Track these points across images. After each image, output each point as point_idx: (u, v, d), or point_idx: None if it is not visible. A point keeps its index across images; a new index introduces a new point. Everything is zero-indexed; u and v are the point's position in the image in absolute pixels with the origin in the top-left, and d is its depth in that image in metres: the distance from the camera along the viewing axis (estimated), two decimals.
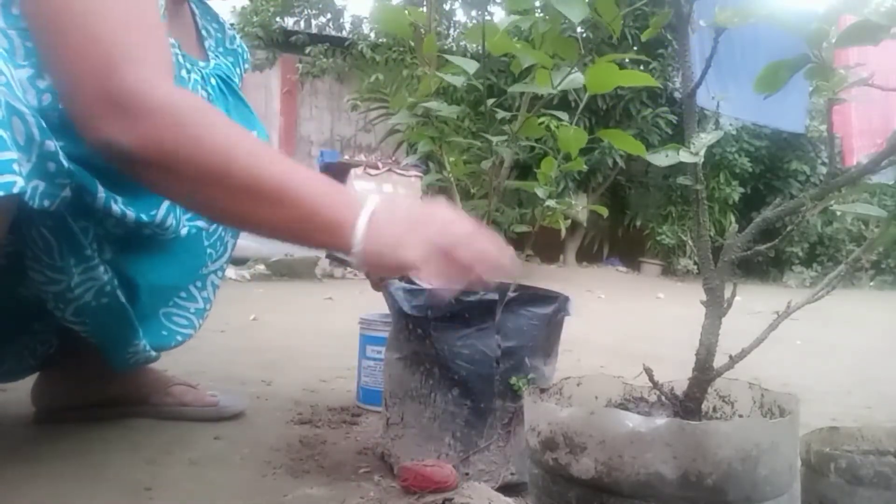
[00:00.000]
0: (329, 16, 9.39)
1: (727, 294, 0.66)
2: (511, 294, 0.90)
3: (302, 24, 9.23)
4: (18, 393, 1.16)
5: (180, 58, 0.96)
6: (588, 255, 7.98)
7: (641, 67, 5.75)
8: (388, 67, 7.17)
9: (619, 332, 2.89)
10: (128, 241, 0.94)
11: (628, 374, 0.80)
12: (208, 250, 1.08)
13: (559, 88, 0.79)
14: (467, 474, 0.84)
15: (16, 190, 0.66)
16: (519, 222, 4.62)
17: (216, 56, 1.09)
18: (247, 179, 0.71)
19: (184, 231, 1.02)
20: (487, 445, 0.85)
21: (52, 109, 0.78)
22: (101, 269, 0.89)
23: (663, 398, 0.72)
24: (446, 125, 0.93)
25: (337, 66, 8.55)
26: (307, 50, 8.53)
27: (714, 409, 0.76)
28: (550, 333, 0.91)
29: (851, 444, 0.78)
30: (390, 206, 0.73)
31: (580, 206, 5.47)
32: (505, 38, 0.80)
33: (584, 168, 1.05)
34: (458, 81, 0.84)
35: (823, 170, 7.37)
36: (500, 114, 0.91)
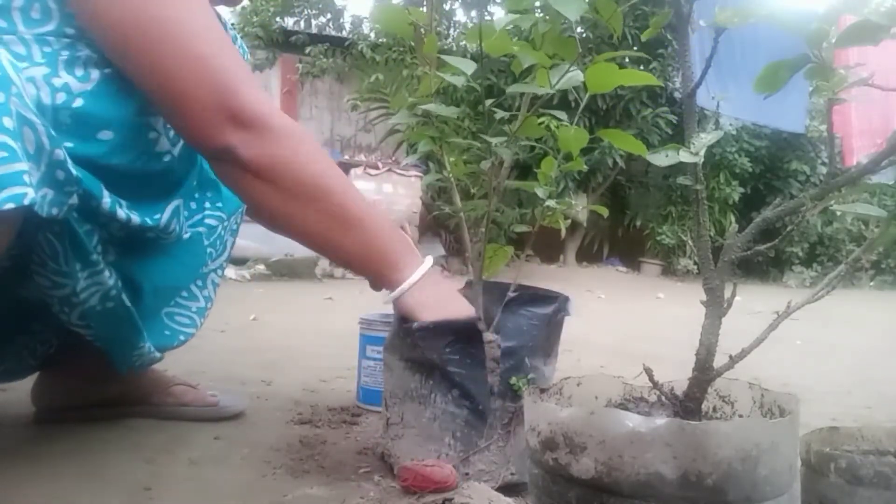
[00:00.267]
0: (329, 16, 9.38)
1: (727, 294, 0.66)
2: (511, 294, 0.90)
3: (302, 24, 9.22)
4: (18, 393, 1.16)
5: None
6: (588, 255, 7.98)
7: (641, 67, 5.75)
8: (388, 67, 7.16)
9: (619, 332, 2.89)
10: (130, 243, 0.94)
11: (628, 374, 0.80)
12: (208, 249, 1.08)
13: (558, 87, 0.79)
14: (467, 474, 0.84)
15: (26, 202, 0.66)
16: (519, 222, 4.62)
17: None
18: (339, 206, 0.86)
19: (186, 236, 1.03)
20: (487, 445, 0.85)
21: (64, 108, 0.79)
22: (107, 273, 0.90)
23: (663, 398, 0.72)
24: (446, 125, 0.93)
25: (337, 66, 8.55)
26: (307, 50, 8.52)
27: (714, 409, 0.76)
28: (550, 333, 0.91)
29: (851, 444, 0.78)
30: (434, 278, 0.91)
31: (580, 206, 5.47)
32: (503, 38, 0.80)
33: (584, 168, 1.05)
34: (459, 82, 0.83)
35: (823, 170, 7.37)
36: (500, 114, 0.91)
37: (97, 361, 1.04)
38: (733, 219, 7.08)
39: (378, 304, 1.07)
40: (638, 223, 7.73)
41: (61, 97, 0.79)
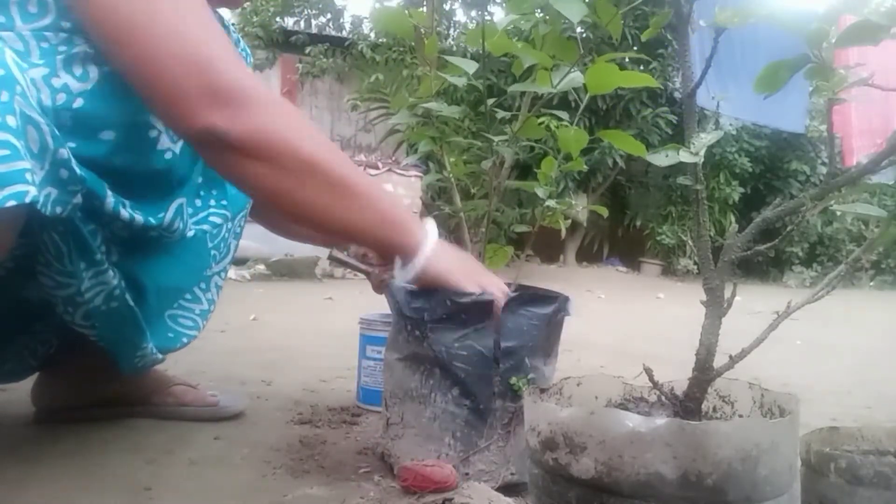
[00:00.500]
0: (329, 16, 9.39)
1: (727, 294, 0.66)
2: (511, 294, 0.90)
3: (302, 24, 9.23)
4: (18, 393, 1.16)
5: None
6: (588, 255, 7.99)
7: (641, 67, 5.75)
8: (388, 67, 7.17)
9: (619, 332, 2.89)
10: (134, 243, 0.94)
11: (628, 374, 0.80)
12: (212, 252, 1.08)
13: (559, 88, 0.79)
14: (467, 474, 0.84)
15: (28, 199, 0.66)
16: (519, 222, 4.61)
17: None
18: (341, 176, 0.81)
19: (190, 233, 1.03)
20: (487, 445, 0.85)
21: (65, 109, 0.79)
22: (111, 273, 0.90)
23: (663, 398, 0.72)
24: (446, 125, 0.93)
25: (337, 66, 8.55)
26: (307, 50, 8.53)
27: (714, 409, 0.76)
28: (550, 333, 0.91)
29: (851, 444, 0.78)
30: (445, 244, 0.88)
31: (580, 206, 5.47)
32: (505, 38, 0.80)
33: (584, 168, 1.05)
34: (460, 82, 0.84)
35: (823, 170, 7.37)
36: (501, 114, 0.91)
37: (97, 361, 1.04)
38: (733, 219, 7.08)
39: (378, 305, 1.07)
40: (638, 223, 7.74)
41: (62, 98, 0.79)
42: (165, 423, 1.11)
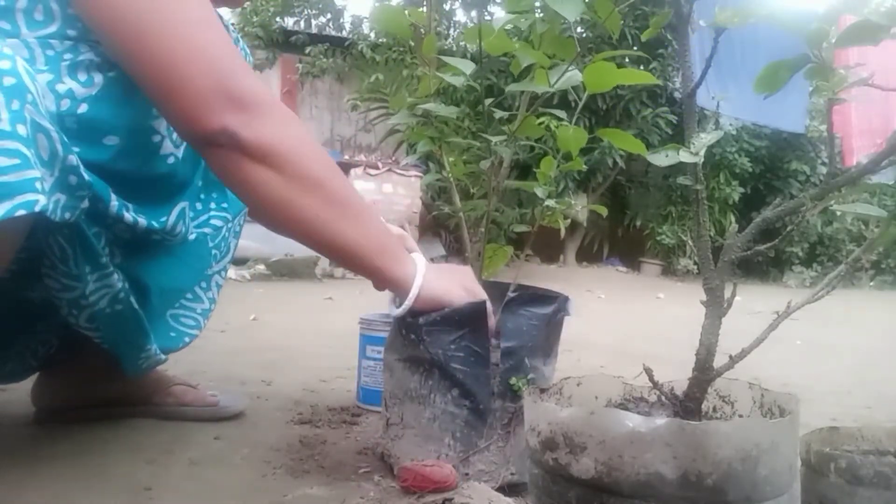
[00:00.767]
0: (329, 16, 9.38)
1: (727, 294, 0.66)
2: (511, 294, 0.90)
3: (302, 24, 9.22)
4: (18, 393, 1.16)
5: None
6: (588, 255, 7.99)
7: (641, 67, 5.75)
8: (388, 67, 7.17)
9: (619, 332, 2.89)
10: (135, 245, 0.95)
11: (628, 374, 0.80)
12: (213, 251, 1.08)
13: (557, 87, 0.79)
14: (467, 474, 0.84)
15: (37, 209, 0.67)
16: (519, 222, 4.60)
17: None
18: (342, 194, 0.82)
19: (192, 237, 1.03)
20: (487, 445, 0.85)
21: (69, 114, 0.79)
22: (116, 276, 0.90)
23: (663, 398, 0.72)
24: (446, 125, 0.93)
25: (337, 66, 8.55)
26: (307, 50, 8.52)
27: (714, 409, 0.76)
28: (550, 333, 0.91)
29: (851, 444, 0.78)
30: (433, 265, 0.89)
31: (580, 206, 5.47)
32: (502, 37, 0.80)
33: (584, 168, 1.05)
34: (458, 82, 0.84)
35: (823, 170, 7.37)
36: (499, 113, 0.91)
37: (97, 362, 1.04)
38: (733, 219, 7.08)
39: (378, 305, 1.07)
40: (638, 223, 7.74)
41: (66, 104, 0.79)
42: (165, 423, 1.11)
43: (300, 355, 1.82)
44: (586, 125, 5.69)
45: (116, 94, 0.83)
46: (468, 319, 0.85)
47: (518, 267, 0.96)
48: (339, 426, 1.14)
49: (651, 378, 0.71)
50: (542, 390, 0.76)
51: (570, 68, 0.79)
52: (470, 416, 0.85)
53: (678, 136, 3.79)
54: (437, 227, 6.46)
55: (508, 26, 0.81)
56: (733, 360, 0.65)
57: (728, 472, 0.57)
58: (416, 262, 0.88)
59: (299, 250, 4.83)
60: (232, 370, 1.56)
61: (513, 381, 0.85)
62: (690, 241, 0.71)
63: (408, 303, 0.85)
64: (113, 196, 0.84)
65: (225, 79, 0.77)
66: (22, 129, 0.66)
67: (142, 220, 0.89)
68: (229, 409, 1.17)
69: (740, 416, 0.74)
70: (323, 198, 0.81)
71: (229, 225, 1.11)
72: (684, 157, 0.64)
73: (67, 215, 0.75)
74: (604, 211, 1.05)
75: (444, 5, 8.12)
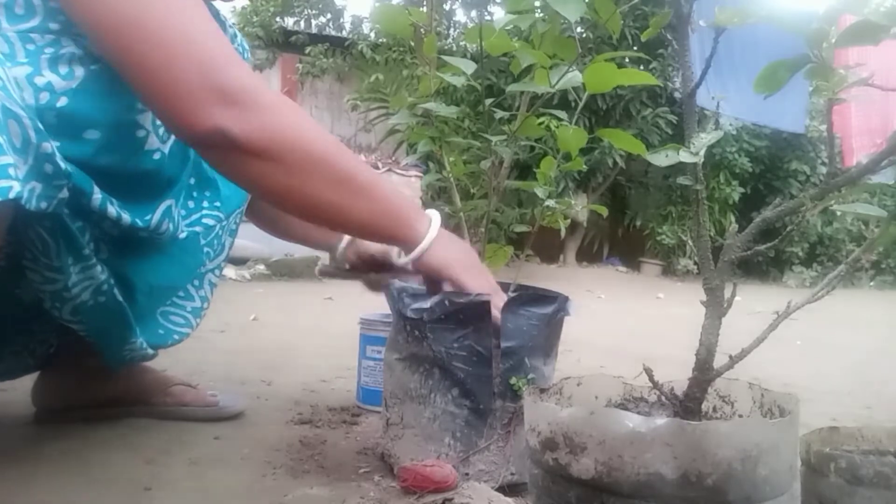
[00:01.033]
0: (329, 16, 9.39)
1: (727, 294, 0.66)
2: (511, 294, 0.90)
3: (302, 24, 9.22)
4: (18, 393, 1.16)
5: None
6: (588, 255, 7.99)
7: (641, 67, 5.75)
8: (388, 67, 7.17)
9: (619, 332, 2.89)
10: (124, 241, 0.94)
11: (628, 374, 0.80)
12: (205, 249, 1.08)
13: (557, 87, 0.79)
14: (467, 474, 0.84)
15: (12, 195, 0.65)
16: (519, 222, 4.62)
17: None
18: (346, 171, 0.81)
19: (182, 235, 1.03)
20: (487, 445, 0.85)
21: (48, 108, 0.78)
22: (99, 268, 0.89)
23: (663, 398, 0.72)
24: (446, 125, 0.93)
25: (337, 66, 8.55)
26: (307, 50, 8.53)
27: (714, 409, 0.76)
28: (550, 333, 0.91)
29: (851, 444, 0.78)
30: (449, 236, 0.89)
31: (580, 206, 5.47)
32: (503, 37, 0.80)
33: (584, 168, 1.05)
34: (458, 82, 0.84)
35: (823, 170, 7.37)
36: (499, 113, 0.91)
37: (97, 362, 1.04)
38: (733, 219, 7.08)
39: (378, 305, 1.07)
40: (638, 223, 7.74)
41: (45, 97, 0.78)
42: (165, 423, 1.11)
43: (300, 355, 1.82)
44: (586, 125, 5.70)
45: (98, 87, 0.82)
46: (472, 317, 0.85)
47: (518, 267, 0.96)
48: (339, 426, 1.14)
49: (651, 378, 0.71)
50: (542, 390, 0.76)
51: (570, 69, 0.79)
52: (470, 416, 0.85)
53: (678, 136, 3.79)
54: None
55: (509, 26, 0.81)
56: (733, 360, 0.65)
57: (728, 472, 0.57)
58: (432, 221, 0.88)
59: (299, 250, 4.82)
60: (232, 370, 1.56)
61: (513, 380, 0.85)
62: (690, 241, 0.71)
63: (409, 260, 0.87)
64: (96, 189, 0.83)
65: (213, 73, 0.74)
66: None
67: (125, 216, 0.88)
68: (229, 409, 1.17)
69: (740, 416, 0.74)
70: (327, 179, 0.80)
71: (223, 223, 1.10)
72: (684, 157, 0.64)
73: (44, 205, 0.73)
74: (604, 211, 1.05)
75: (444, 5, 8.12)
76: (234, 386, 1.37)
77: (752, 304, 2.24)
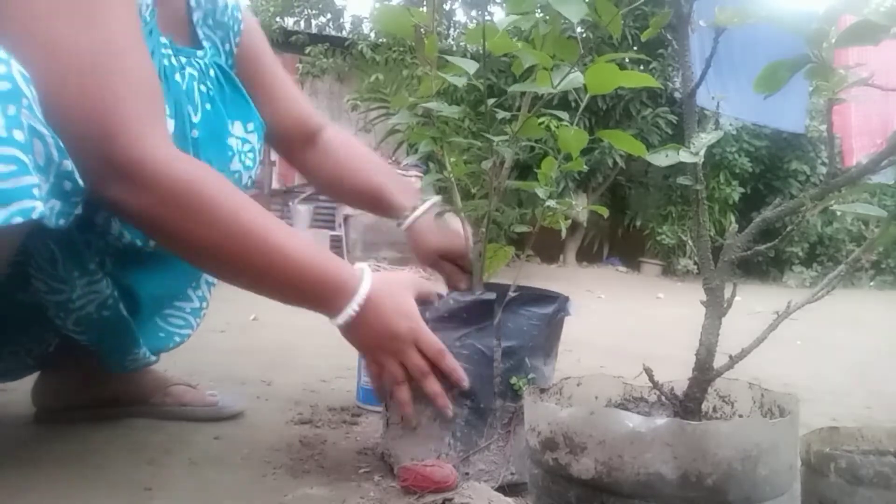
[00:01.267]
0: (329, 16, 9.39)
1: (727, 294, 0.66)
2: (511, 294, 0.90)
3: (302, 24, 9.23)
4: (18, 393, 1.16)
5: (173, 59, 0.95)
6: (588, 255, 7.98)
7: (641, 67, 5.75)
8: (388, 67, 7.17)
9: (619, 332, 2.89)
10: (127, 254, 0.95)
11: (628, 374, 0.80)
12: None
13: (559, 88, 0.79)
14: (467, 474, 0.84)
15: (35, 216, 0.66)
16: (519, 222, 4.63)
17: (205, 35, 1.04)
18: (240, 252, 0.79)
19: None
20: (487, 445, 0.85)
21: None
22: (104, 282, 0.90)
23: (663, 398, 0.72)
24: (447, 125, 0.93)
25: (337, 66, 8.55)
26: (307, 50, 8.53)
27: (714, 409, 0.76)
28: (550, 333, 0.91)
29: (851, 444, 0.78)
30: (377, 295, 0.86)
31: (580, 206, 5.46)
32: (505, 38, 0.80)
33: (585, 168, 1.05)
34: (460, 82, 0.84)
35: (823, 170, 7.37)
36: (501, 114, 0.91)
37: (97, 362, 1.04)
38: (733, 219, 7.07)
39: None
40: (638, 223, 7.74)
41: None
42: (165, 423, 1.11)
43: (300, 355, 1.82)
44: (586, 125, 5.70)
45: None
46: (476, 316, 0.85)
47: (518, 267, 0.96)
48: (339, 426, 1.14)
49: (651, 378, 0.71)
50: (542, 390, 0.76)
51: (572, 70, 0.79)
52: (470, 416, 0.86)
53: (678, 136, 3.79)
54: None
55: (510, 27, 0.81)
56: (733, 360, 0.65)
57: (728, 472, 0.57)
58: (357, 292, 0.86)
59: None
60: (232, 370, 1.56)
61: (513, 380, 0.85)
62: (690, 241, 0.71)
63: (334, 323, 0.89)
64: None
65: (106, 144, 0.72)
66: (19, 135, 0.65)
67: (126, 235, 0.90)
68: (229, 409, 1.17)
69: (740, 416, 0.74)
70: (221, 261, 0.81)
71: None
72: (684, 157, 0.64)
73: (62, 222, 0.73)
74: (605, 211, 1.05)
75: (445, 5, 8.12)
76: (233, 386, 1.37)
77: (752, 304, 2.24)
